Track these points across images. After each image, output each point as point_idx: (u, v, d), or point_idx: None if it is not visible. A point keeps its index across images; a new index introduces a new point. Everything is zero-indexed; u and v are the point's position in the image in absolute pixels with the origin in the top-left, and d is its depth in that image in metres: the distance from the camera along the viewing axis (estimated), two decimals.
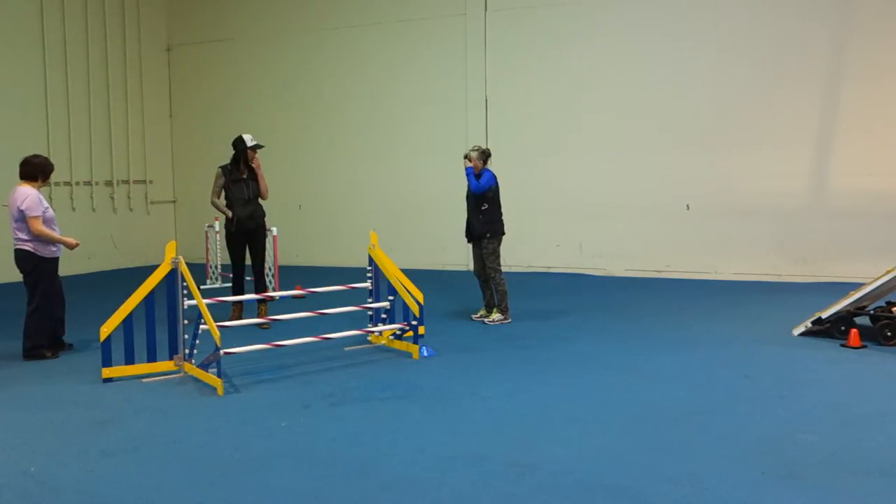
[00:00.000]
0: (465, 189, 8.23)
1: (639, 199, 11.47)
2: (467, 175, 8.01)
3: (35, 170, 6.81)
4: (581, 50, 11.73)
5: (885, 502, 3.67)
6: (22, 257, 6.71)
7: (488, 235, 7.99)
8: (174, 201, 14.91)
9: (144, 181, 14.19)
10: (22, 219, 6.62)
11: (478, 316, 8.30)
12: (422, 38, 12.79)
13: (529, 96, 12.10)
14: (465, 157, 8.11)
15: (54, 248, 6.82)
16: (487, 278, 8.12)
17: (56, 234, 6.76)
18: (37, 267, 6.72)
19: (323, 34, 13.51)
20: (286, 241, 12.21)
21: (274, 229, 10.18)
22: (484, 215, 7.97)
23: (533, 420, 4.94)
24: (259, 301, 8.04)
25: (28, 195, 6.62)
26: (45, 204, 6.74)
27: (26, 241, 6.67)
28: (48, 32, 12.42)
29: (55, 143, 12.41)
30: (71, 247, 6.85)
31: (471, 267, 8.45)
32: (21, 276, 6.87)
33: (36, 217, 6.59)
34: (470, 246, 8.39)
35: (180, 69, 14.76)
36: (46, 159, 6.96)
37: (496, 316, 8.08)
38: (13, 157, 11.63)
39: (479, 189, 7.92)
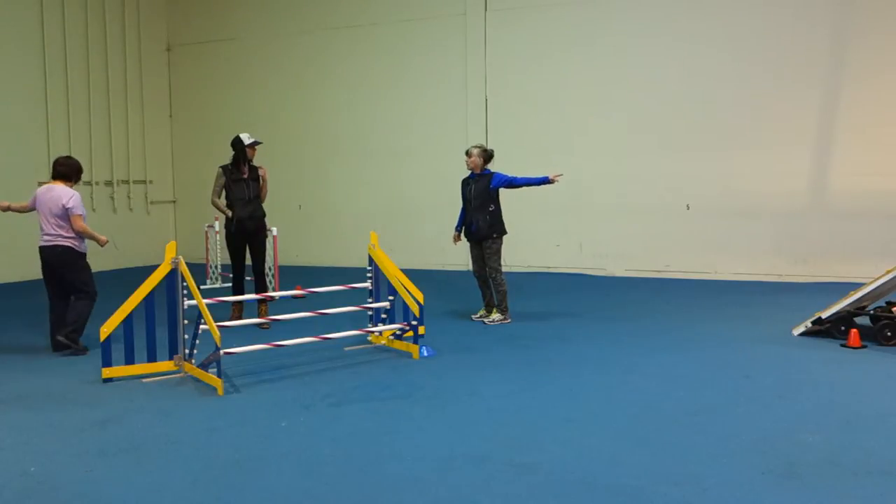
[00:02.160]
0: (463, 190, 8.21)
1: (639, 199, 11.48)
2: (525, 181, 7.95)
3: (71, 171, 7.09)
4: (581, 50, 11.73)
5: (885, 502, 3.67)
6: (63, 252, 6.91)
7: (495, 235, 8.00)
8: (174, 201, 14.91)
9: (144, 181, 14.20)
10: (65, 216, 6.86)
11: (478, 316, 8.29)
12: (422, 38, 12.79)
13: (529, 96, 12.11)
14: (466, 153, 8.11)
15: (85, 246, 7.12)
16: (486, 278, 8.11)
17: (91, 231, 7.04)
18: (77, 262, 6.99)
19: (323, 34, 13.52)
20: (286, 241, 12.22)
21: (274, 229, 10.18)
22: (491, 216, 7.97)
23: (533, 420, 4.94)
24: (259, 301, 8.03)
25: (73, 194, 6.92)
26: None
27: (70, 237, 6.90)
28: (48, 33, 12.42)
29: (55, 144, 12.41)
30: (102, 243, 7.10)
31: (471, 267, 8.41)
32: (48, 271, 7.00)
33: (80, 215, 6.91)
34: (468, 246, 8.35)
35: (180, 69, 14.77)
36: (78, 162, 7.24)
37: (496, 316, 8.07)
38: (13, 157, 11.76)
39: (514, 183, 7.95)
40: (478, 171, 8.07)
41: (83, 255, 7.05)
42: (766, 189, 10.78)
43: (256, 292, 8.01)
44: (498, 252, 8.04)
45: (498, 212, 8.02)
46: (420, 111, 12.89)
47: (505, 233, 8.10)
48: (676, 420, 4.87)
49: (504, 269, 8.19)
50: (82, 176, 7.30)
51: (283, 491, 3.87)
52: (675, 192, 11.28)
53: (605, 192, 11.69)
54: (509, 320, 8.10)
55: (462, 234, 8.32)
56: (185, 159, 14.83)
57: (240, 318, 7.90)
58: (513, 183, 7.98)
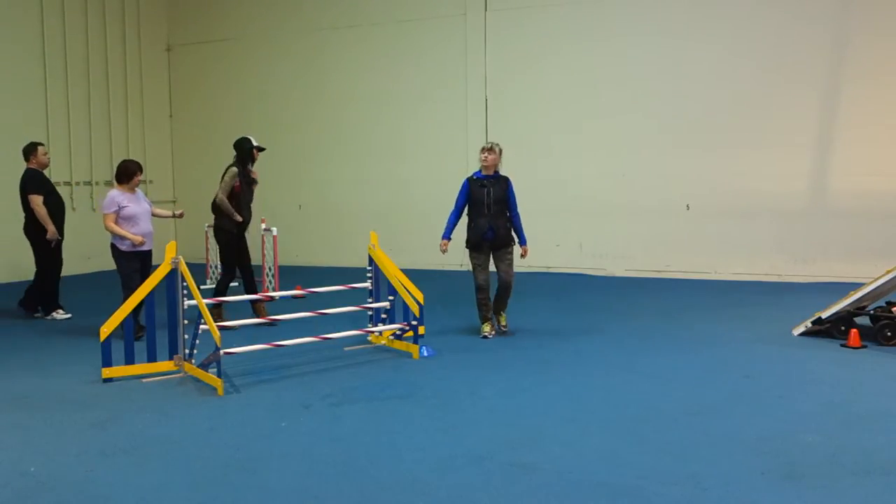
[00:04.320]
0: (476, 193, 7.36)
1: (639, 199, 11.48)
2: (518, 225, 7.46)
3: (118, 173, 7.53)
4: (581, 50, 11.73)
5: (885, 502, 3.67)
6: (110, 248, 7.48)
7: (515, 242, 7.48)
8: (174, 201, 14.90)
9: (144, 181, 14.16)
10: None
11: (490, 330, 7.49)
12: (422, 38, 12.79)
13: (529, 96, 12.10)
14: (487, 149, 7.34)
15: (128, 243, 7.38)
16: (488, 287, 7.48)
17: (118, 229, 7.31)
18: (115, 258, 7.46)
19: (323, 34, 13.51)
20: (286, 241, 12.20)
21: (274, 229, 10.19)
22: (510, 222, 7.41)
23: (533, 420, 4.94)
24: (257, 301, 8.04)
25: (107, 195, 7.41)
26: (122, 203, 7.35)
27: (113, 236, 7.38)
28: (48, 33, 12.41)
29: (55, 144, 12.40)
30: (136, 243, 7.41)
31: (470, 269, 7.74)
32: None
33: (104, 215, 7.34)
34: (467, 251, 7.54)
35: (180, 69, 14.76)
36: (125, 164, 7.56)
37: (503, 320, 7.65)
38: (13, 157, 11.72)
39: (513, 203, 7.42)
40: (491, 172, 7.39)
41: (121, 252, 7.39)
42: (766, 189, 10.77)
43: (251, 292, 8.03)
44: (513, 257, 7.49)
45: (514, 218, 7.48)
46: (420, 111, 12.88)
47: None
48: (676, 420, 4.87)
49: None
50: (132, 177, 7.50)
51: (283, 491, 3.87)
52: (675, 192, 11.27)
53: (606, 192, 11.68)
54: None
55: (470, 243, 7.42)
56: (185, 159, 14.82)
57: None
58: (513, 205, 7.46)
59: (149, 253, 7.58)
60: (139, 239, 7.35)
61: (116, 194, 7.40)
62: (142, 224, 7.46)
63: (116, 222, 7.34)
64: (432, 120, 12.76)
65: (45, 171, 8.81)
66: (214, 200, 8.13)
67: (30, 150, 8.64)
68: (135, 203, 7.45)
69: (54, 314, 8.68)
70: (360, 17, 13.20)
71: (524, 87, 12.14)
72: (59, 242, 8.68)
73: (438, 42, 12.66)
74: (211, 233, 11.65)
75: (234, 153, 8.19)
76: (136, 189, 7.62)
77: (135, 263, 7.40)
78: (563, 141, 11.91)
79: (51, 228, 8.48)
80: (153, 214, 7.76)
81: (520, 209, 7.59)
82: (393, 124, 13.10)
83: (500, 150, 7.48)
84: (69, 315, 8.73)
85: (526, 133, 12.09)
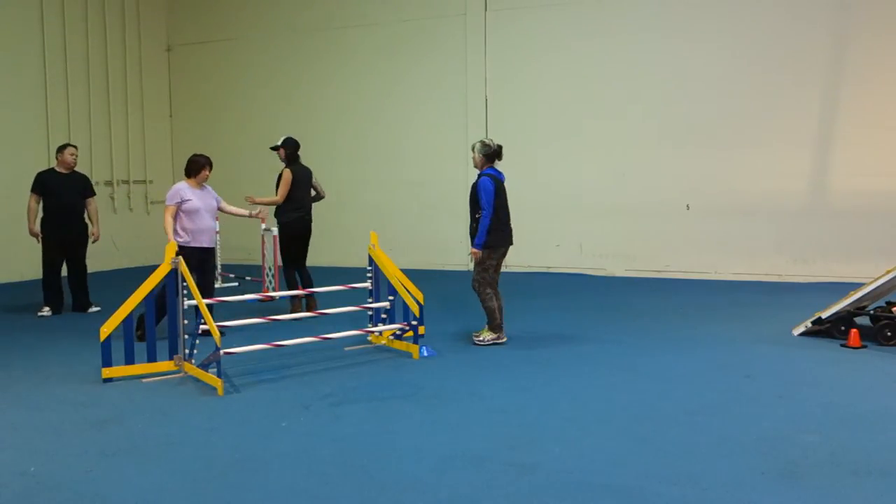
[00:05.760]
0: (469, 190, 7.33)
1: (639, 199, 11.48)
2: (483, 224, 6.88)
3: (188, 166, 7.42)
4: (581, 50, 11.74)
5: (885, 502, 3.67)
6: None
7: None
8: None
9: (144, 181, 14.19)
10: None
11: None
12: (422, 38, 12.79)
13: (529, 96, 12.11)
14: (473, 148, 7.15)
15: (187, 238, 7.15)
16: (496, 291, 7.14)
17: (168, 221, 7.12)
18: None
19: (323, 34, 13.52)
20: None
21: (274, 229, 10.17)
22: (476, 223, 6.95)
23: (533, 420, 4.94)
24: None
25: (172, 188, 7.27)
26: (185, 196, 7.16)
27: (176, 231, 7.18)
28: (48, 33, 12.41)
29: (55, 143, 12.36)
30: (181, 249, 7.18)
31: (471, 267, 8.03)
32: None
33: (166, 206, 7.19)
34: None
35: (180, 69, 14.77)
36: (194, 158, 7.45)
37: (486, 335, 7.04)
38: (13, 158, 11.74)
39: (481, 202, 6.89)
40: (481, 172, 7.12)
41: (180, 247, 6.69)
42: (766, 189, 10.77)
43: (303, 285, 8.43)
44: (482, 263, 6.96)
45: (486, 221, 6.88)
46: (420, 111, 12.89)
47: (501, 245, 7.04)
48: (676, 420, 4.87)
49: (504, 269, 7.61)
50: (200, 171, 7.35)
51: (283, 491, 3.87)
52: (675, 192, 11.28)
53: (606, 192, 11.68)
54: (504, 339, 7.10)
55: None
56: (184, 159, 14.65)
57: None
58: (481, 205, 6.91)
59: (209, 251, 7.38)
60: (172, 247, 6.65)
61: (183, 187, 7.23)
62: (203, 220, 7.23)
63: (177, 215, 7.11)
64: (432, 120, 12.77)
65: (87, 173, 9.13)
66: (322, 197, 8.80)
67: (58, 150, 8.98)
68: (198, 198, 7.23)
69: (39, 311, 8.84)
70: (360, 17, 13.20)
71: (524, 87, 12.14)
72: (50, 241, 8.80)
73: (438, 42, 12.66)
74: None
75: (287, 151, 8.52)
76: (205, 185, 7.43)
77: (191, 261, 6.73)
78: (563, 141, 11.92)
79: (28, 226, 8.81)
80: (224, 211, 7.57)
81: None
82: (393, 124, 13.11)
83: (484, 146, 7.06)
84: (49, 313, 8.77)
85: (526, 133, 12.09)
